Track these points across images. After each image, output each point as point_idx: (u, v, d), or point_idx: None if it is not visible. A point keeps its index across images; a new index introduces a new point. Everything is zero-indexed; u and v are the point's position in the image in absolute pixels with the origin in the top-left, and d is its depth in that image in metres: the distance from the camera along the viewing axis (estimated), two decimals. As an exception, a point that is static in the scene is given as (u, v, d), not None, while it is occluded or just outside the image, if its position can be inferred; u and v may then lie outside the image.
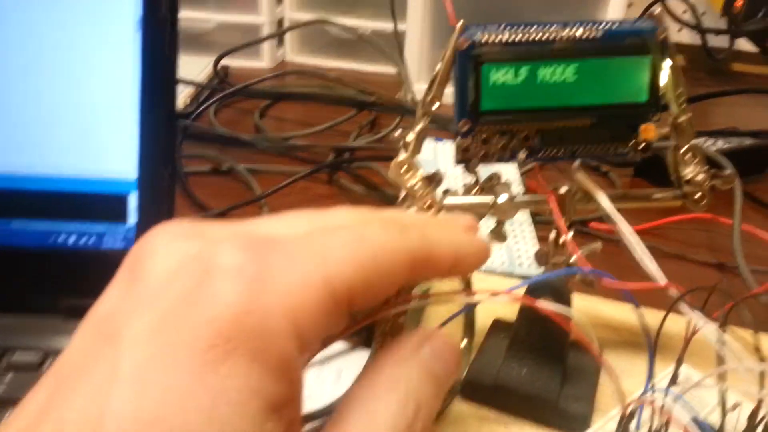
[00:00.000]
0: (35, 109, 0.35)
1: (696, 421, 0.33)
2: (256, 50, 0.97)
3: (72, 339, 0.17)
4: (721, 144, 0.70)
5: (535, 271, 0.48)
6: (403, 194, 0.32)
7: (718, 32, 1.00)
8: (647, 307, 0.30)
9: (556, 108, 0.31)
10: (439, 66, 0.31)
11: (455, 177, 0.48)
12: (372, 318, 0.28)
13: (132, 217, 0.35)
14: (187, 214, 0.59)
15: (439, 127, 0.47)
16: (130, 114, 0.34)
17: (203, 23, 0.97)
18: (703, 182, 0.33)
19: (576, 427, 0.33)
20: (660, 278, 0.31)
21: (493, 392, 0.34)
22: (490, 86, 0.30)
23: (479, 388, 0.35)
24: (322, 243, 0.18)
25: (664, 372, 0.35)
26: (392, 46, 0.87)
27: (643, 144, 0.32)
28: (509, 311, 0.38)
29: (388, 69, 0.91)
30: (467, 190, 0.35)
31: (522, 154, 0.32)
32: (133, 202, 0.35)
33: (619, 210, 0.34)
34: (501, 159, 0.32)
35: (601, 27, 0.30)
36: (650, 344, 0.31)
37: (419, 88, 0.81)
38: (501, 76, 0.30)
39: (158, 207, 0.35)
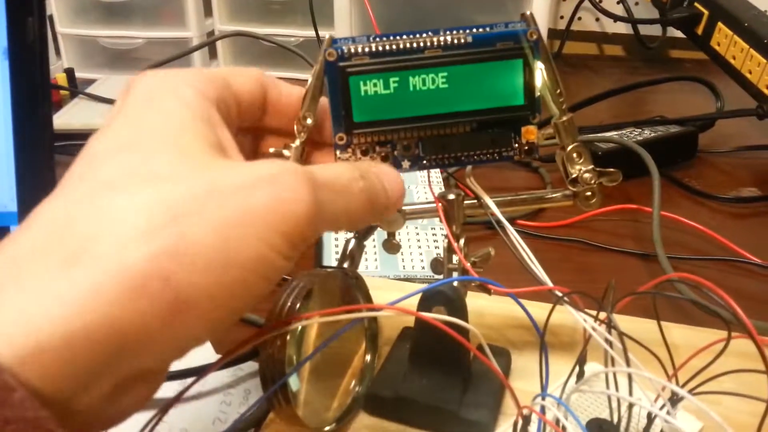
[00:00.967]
0: None
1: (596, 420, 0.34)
2: (188, 64, 0.96)
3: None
4: (648, 133, 0.71)
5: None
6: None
7: (648, 22, 1.01)
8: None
9: (433, 116, 0.31)
10: (309, 80, 0.30)
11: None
12: (255, 340, 0.27)
13: (16, 251, 0.34)
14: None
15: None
16: (4, 145, 0.33)
17: (131, 40, 0.96)
18: (589, 180, 0.33)
19: (479, 434, 0.33)
20: (546, 280, 0.31)
21: (395, 405, 0.34)
22: (361, 98, 0.30)
23: (381, 402, 0.34)
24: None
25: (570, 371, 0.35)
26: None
27: (527, 146, 0.32)
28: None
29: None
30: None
31: (405, 163, 0.32)
32: (15, 235, 0.34)
33: (510, 213, 0.33)
34: (385, 170, 0.32)
35: (471, 32, 0.30)
36: (543, 351, 0.31)
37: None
38: (371, 86, 0.30)
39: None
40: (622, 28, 1.12)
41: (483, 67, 0.30)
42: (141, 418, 0.35)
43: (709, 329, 0.41)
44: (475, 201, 0.34)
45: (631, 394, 0.27)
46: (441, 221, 0.33)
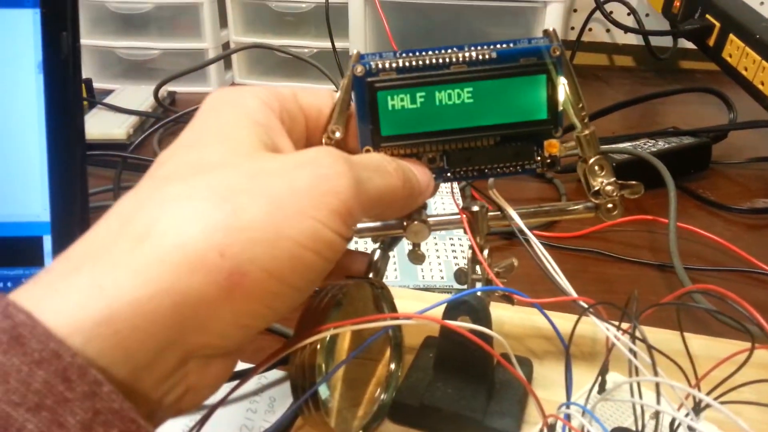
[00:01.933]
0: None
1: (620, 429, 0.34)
2: (203, 76, 0.97)
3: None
4: (661, 144, 0.71)
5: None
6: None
7: (659, 33, 1.02)
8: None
9: (458, 129, 0.31)
10: (338, 94, 0.31)
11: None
12: (289, 348, 0.28)
13: (48, 260, 0.35)
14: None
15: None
16: (38, 157, 0.34)
17: (147, 51, 0.97)
18: (611, 193, 0.33)
19: (503, 442, 0.33)
20: (570, 291, 0.31)
21: (420, 413, 0.34)
22: (388, 112, 0.30)
23: (406, 410, 0.35)
24: None
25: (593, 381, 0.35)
26: (333, 65, 0.88)
27: (549, 159, 0.33)
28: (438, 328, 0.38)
29: (334, 88, 0.92)
30: (382, 214, 0.35)
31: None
32: (48, 244, 0.35)
33: (529, 224, 0.34)
34: (410, 182, 0.32)
35: (495, 48, 0.31)
36: (568, 361, 0.31)
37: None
38: (398, 101, 0.30)
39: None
40: (633, 39, 1.12)
41: (507, 83, 0.31)
42: (177, 427, 0.36)
43: (728, 340, 0.41)
44: (499, 213, 0.34)
45: (658, 403, 0.28)
46: (465, 232, 0.33)
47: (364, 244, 0.54)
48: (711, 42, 0.81)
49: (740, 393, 0.29)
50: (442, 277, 0.51)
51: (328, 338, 0.30)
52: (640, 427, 0.31)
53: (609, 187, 0.33)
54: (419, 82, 0.30)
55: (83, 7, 0.94)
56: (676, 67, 1.14)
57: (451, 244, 0.55)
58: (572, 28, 1.14)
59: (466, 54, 0.31)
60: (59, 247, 0.35)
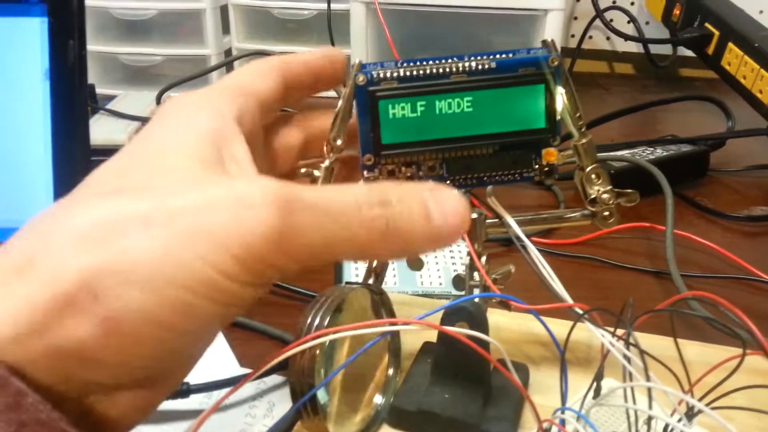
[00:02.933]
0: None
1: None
2: (206, 82, 0.98)
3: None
4: (659, 152, 0.72)
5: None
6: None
7: (658, 41, 1.02)
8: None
9: (458, 138, 0.32)
10: (339, 103, 0.31)
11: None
12: (287, 353, 0.28)
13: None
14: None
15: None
16: (43, 163, 0.34)
17: (150, 57, 0.98)
18: (608, 201, 0.34)
19: (499, 447, 0.34)
20: (566, 298, 0.32)
21: (418, 418, 0.35)
22: (389, 120, 0.31)
23: (404, 415, 0.35)
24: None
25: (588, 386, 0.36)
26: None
27: (547, 167, 0.33)
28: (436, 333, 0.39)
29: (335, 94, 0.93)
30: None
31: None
32: (52, 249, 0.35)
33: (527, 231, 0.35)
34: (410, 189, 0.33)
35: (495, 58, 0.31)
36: (563, 367, 0.32)
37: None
38: (399, 110, 0.31)
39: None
40: (633, 47, 1.13)
41: (506, 92, 0.31)
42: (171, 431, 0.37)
43: (721, 346, 0.41)
44: (497, 220, 0.35)
45: (650, 408, 0.28)
46: (464, 239, 0.34)
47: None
48: (710, 50, 0.82)
49: (733, 399, 0.30)
50: (441, 284, 0.51)
51: (327, 344, 0.30)
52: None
53: (605, 195, 0.34)
54: (420, 91, 0.31)
55: (87, 14, 0.94)
56: (675, 74, 1.15)
57: (450, 251, 0.55)
58: (572, 36, 1.14)
59: (466, 64, 0.31)
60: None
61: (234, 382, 0.29)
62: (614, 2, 1.09)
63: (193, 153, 0.22)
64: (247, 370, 0.38)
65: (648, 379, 0.27)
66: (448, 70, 0.31)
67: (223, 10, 0.98)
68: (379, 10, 0.85)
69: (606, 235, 0.61)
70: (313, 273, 0.54)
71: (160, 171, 0.21)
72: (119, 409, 0.21)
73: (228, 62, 0.96)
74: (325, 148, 0.32)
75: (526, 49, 0.32)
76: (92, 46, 0.96)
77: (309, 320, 0.30)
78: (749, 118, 0.78)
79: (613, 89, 1.11)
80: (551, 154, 0.33)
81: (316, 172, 0.32)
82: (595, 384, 0.34)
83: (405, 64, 0.31)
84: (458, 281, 0.36)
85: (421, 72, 0.31)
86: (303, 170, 0.31)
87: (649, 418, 0.31)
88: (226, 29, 0.99)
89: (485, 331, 0.34)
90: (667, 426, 0.31)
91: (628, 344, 0.30)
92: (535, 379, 0.39)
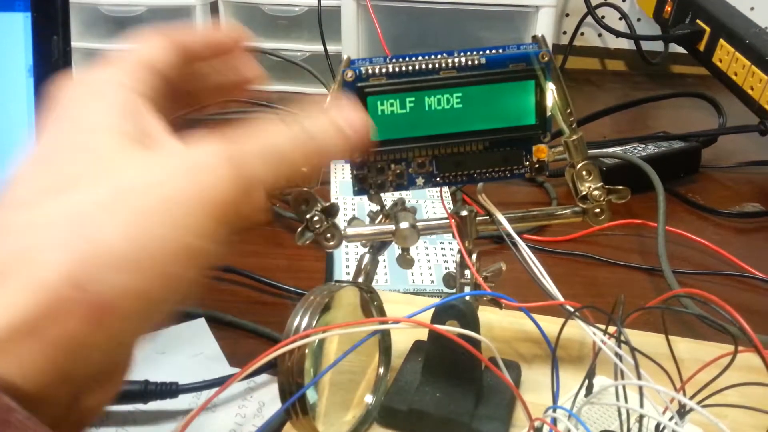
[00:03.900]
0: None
1: (606, 432, 0.34)
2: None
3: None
4: (651, 149, 0.72)
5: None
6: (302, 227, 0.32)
7: (650, 38, 1.02)
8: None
9: (447, 134, 0.31)
10: (328, 99, 0.31)
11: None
12: (275, 353, 0.28)
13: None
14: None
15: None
16: (28, 161, 0.34)
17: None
18: (599, 198, 0.34)
19: (490, 446, 0.34)
20: (556, 295, 0.32)
21: (409, 417, 0.34)
22: (378, 116, 0.31)
23: (395, 414, 0.35)
24: None
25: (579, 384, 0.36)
26: (326, 69, 0.88)
27: (537, 164, 0.33)
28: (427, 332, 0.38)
29: (326, 91, 0.92)
30: (372, 218, 0.35)
31: (420, 180, 0.33)
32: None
33: (519, 228, 0.34)
34: (399, 187, 0.33)
35: (484, 53, 0.31)
36: (554, 365, 0.31)
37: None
38: (388, 106, 0.31)
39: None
40: (625, 44, 1.13)
41: (496, 88, 0.31)
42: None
43: (714, 343, 0.41)
44: (487, 217, 0.35)
45: (641, 406, 0.28)
46: (454, 237, 0.34)
47: (354, 248, 0.54)
48: (701, 47, 0.82)
49: (725, 396, 0.29)
50: (432, 281, 0.51)
51: (315, 342, 0.30)
52: (625, 431, 0.31)
53: (596, 192, 0.34)
54: (409, 87, 0.30)
55: (75, 10, 0.93)
56: (667, 71, 1.15)
57: (442, 249, 0.55)
58: (564, 33, 1.14)
59: (456, 60, 0.31)
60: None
61: (223, 382, 0.28)
62: (606, -1, 1.09)
63: (117, 130, 0.22)
64: (237, 370, 0.37)
65: (639, 376, 0.27)
66: (437, 65, 0.31)
67: (213, 7, 0.97)
68: (370, 6, 0.84)
69: (598, 232, 0.61)
70: (302, 271, 0.54)
71: (95, 155, 0.21)
72: (98, 401, 0.21)
73: (218, 59, 0.96)
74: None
75: (516, 45, 0.32)
76: (81, 43, 0.96)
77: (298, 319, 0.30)
78: (741, 115, 0.77)
79: (605, 86, 1.11)
80: (542, 151, 0.33)
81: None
82: (586, 382, 0.33)
83: (393, 60, 0.31)
84: (449, 279, 0.36)
85: (410, 68, 0.31)
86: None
87: (641, 416, 0.31)
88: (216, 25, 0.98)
89: (476, 329, 0.33)
90: (659, 424, 0.31)
91: (619, 342, 0.30)
92: (527, 377, 0.38)
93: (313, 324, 0.29)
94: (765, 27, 0.78)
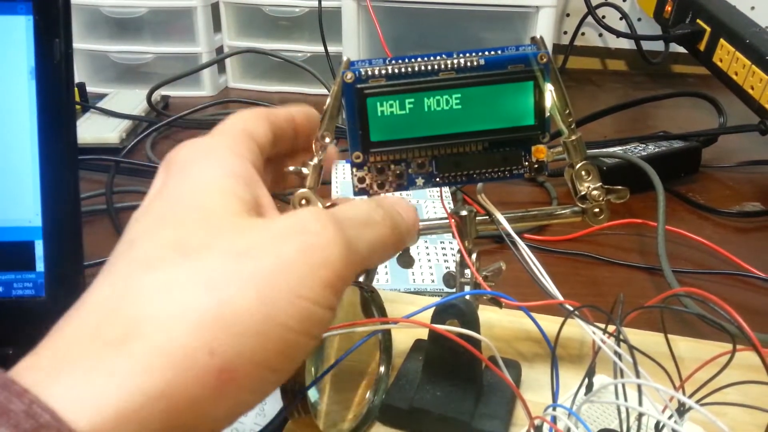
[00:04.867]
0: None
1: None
2: (197, 80, 0.97)
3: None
4: (652, 148, 0.72)
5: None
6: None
7: (650, 38, 1.02)
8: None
9: (447, 135, 0.32)
10: (328, 101, 0.31)
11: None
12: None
13: (39, 264, 0.35)
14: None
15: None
16: (30, 162, 0.34)
17: (141, 55, 0.97)
18: (598, 198, 0.34)
19: (491, 445, 0.34)
20: (556, 294, 0.32)
21: (409, 416, 0.35)
22: (377, 118, 0.31)
23: (395, 413, 0.35)
24: None
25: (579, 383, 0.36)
26: (327, 70, 0.88)
27: (537, 164, 0.33)
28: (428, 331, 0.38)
29: (326, 92, 0.92)
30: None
31: (419, 181, 0.33)
32: (39, 249, 0.35)
33: (519, 228, 0.34)
34: (399, 187, 0.33)
35: (483, 55, 0.31)
36: (554, 363, 0.32)
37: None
38: (387, 107, 0.31)
39: (65, 252, 0.35)
40: (625, 44, 1.13)
41: (495, 89, 0.31)
42: None
43: (714, 342, 0.41)
44: (487, 217, 0.35)
45: (640, 404, 0.28)
46: (454, 237, 0.34)
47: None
48: (702, 47, 0.82)
49: (725, 394, 0.30)
50: (433, 281, 0.51)
51: (317, 342, 0.30)
52: (625, 429, 0.31)
53: (595, 192, 0.34)
54: (408, 88, 0.31)
55: (77, 11, 0.94)
56: (668, 71, 1.15)
57: (442, 248, 0.55)
58: (565, 33, 1.14)
59: (455, 61, 0.31)
60: (51, 251, 0.35)
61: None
62: (606, -1, 1.10)
63: (233, 195, 0.23)
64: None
65: (638, 375, 0.27)
66: (436, 67, 0.31)
67: (214, 8, 0.97)
68: (371, 7, 0.84)
69: (598, 232, 0.61)
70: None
71: (210, 225, 0.22)
72: None
73: (219, 59, 0.96)
74: (313, 146, 0.31)
75: (515, 46, 0.32)
76: (82, 44, 0.96)
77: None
78: (741, 114, 0.78)
79: (606, 86, 1.11)
80: (541, 151, 0.33)
81: (305, 170, 0.31)
82: (586, 381, 0.34)
83: (393, 62, 0.31)
84: (449, 278, 0.36)
85: (409, 69, 0.31)
86: (291, 168, 0.31)
87: (640, 415, 0.31)
88: (217, 27, 0.99)
89: (476, 328, 0.33)
90: (658, 422, 0.31)
91: (618, 340, 0.30)
92: (527, 376, 0.39)
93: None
94: (765, 26, 0.78)
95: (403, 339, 0.40)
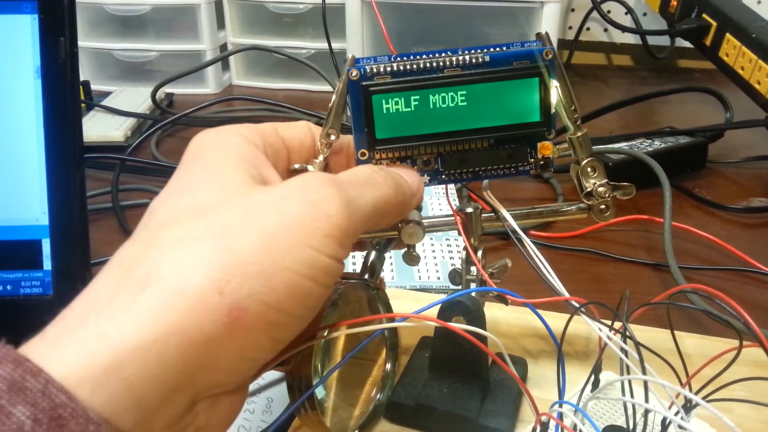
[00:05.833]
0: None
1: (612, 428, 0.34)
2: (201, 77, 0.97)
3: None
4: (658, 144, 0.72)
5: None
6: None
7: (656, 33, 1.02)
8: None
9: (452, 132, 0.32)
10: (333, 98, 0.31)
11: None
12: (288, 352, 0.28)
13: (47, 263, 0.35)
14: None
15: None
16: (36, 161, 0.34)
17: (145, 53, 0.97)
18: (604, 194, 0.34)
19: (497, 441, 0.34)
20: (562, 291, 0.32)
21: (416, 413, 0.35)
22: (383, 115, 0.31)
23: (402, 410, 0.35)
24: None
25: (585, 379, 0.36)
26: (331, 66, 0.88)
27: (542, 161, 0.33)
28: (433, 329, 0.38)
29: (330, 89, 0.92)
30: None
31: (425, 178, 0.33)
32: (46, 247, 0.35)
33: (525, 225, 0.34)
34: (405, 184, 0.33)
35: (488, 51, 0.31)
36: (560, 360, 0.32)
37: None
38: (393, 104, 0.31)
39: (72, 250, 0.35)
40: (631, 39, 1.13)
41: (500, 86, 0.31)
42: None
43: (721, 338, 0.41)
44: (493, 214, 0.35)
45: (647, 401, 0.28)
46: (460, 234, 0.34)
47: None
48: (708, 41, 0.82)
49: (731, 390, 0.30)
50: (439, 278, 0.51)
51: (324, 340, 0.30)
52: (631, 426, 0.31)
53: (601, 189, 0.34)
54: (413, 85, 0.31)
55: (81, 9, 0.94)
56: (673, 66, 1.15)
57: (448, 245, 0.55)
58: (570, 28, 1.14)
59: (460, 57, 0.31)
60: (58, 250, 0.35)
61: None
62: (611, -7, 1.09)
63: (239, 171, 0.25)
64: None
65: (644, 371, 0.27)
66: (441, 64, 0.31)
67: (218, 5, 0.97)
68: (375, 3, 0.84)
69: (604, 228, 0.61)
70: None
71: (224, 185, 0.24)
72: (218, 418, 0.23)
73: (223, 57, 0.96)
74: (318, 144, 0.31)
75: (520, 42, 0.32)
76: (86, 43, 0.96)
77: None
78: (747, 109, 0.77)
79: (611, 81, 1.10)
80: (546, 148, 0.33)
81: (310, 168, 0.31)
82: (592, 377, 0.34)
83: (398, 59, 0.31)
84: (455, 275, 0.36)
85: (414, 66, 0.31)
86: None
87: (647, 411, 0.31)
88: (221, 24, 0.99)
89: (482, 325, 0.33)
90: (665, 419, 0.31)
91: (625, 337, 0.30)
92: (533, 373, 0.39)
93: (322, 320, 0.29)
94: (772, 21, 0.78)
95: (409, 336, 0.40)
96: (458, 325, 0.30)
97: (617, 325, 0.31)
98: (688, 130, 0.75)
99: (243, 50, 0.96)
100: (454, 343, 0.34)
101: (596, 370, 0.34)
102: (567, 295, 0.32)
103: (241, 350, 0.22)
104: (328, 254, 0.23)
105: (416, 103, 0.31)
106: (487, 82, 0.31)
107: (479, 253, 0.35)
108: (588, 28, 1.13)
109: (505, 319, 0.43)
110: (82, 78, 0.95)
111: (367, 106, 0.31)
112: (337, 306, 0.31)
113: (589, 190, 0.34)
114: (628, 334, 0.29)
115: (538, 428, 0.30)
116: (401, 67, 0.31)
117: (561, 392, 0.32)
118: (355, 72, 0.30)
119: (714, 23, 0.80)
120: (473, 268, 0.35)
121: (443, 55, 0.31)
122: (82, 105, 0.86)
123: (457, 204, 0.34)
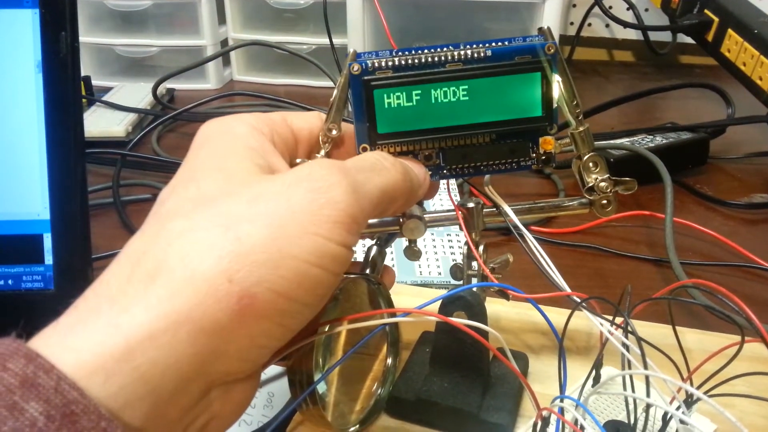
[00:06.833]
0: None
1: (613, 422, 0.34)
2: (202, 73, 0.97)
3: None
4: (659, 140, 0.72)
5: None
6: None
7: (657, 29, 1.02)
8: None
9: (454, 127, 0.31)
10: (335, 93, 0.31)
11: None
12: (290, 347, 0.28)
13: (48, 257, 0.36)
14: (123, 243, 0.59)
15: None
16: (37, 155, 0.34)
17: (146, 49, 0.97)
18: (606, 189, 0.34)
19: (498, 436, 0.34)
20: (563, 286, 0.32)
21: (417, 407, 0.35)
22: (384, 110, 0.31)
23: (403, 404, 0.35)
24: None
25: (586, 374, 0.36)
26: (332, 62, 0.88)
27: (544, 156, 0.33)
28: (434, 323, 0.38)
29: (332, 84, 0.92)
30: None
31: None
32: (48, 242, 0.35)
33: (526, 220, 0.34)
34: (406, 179, 0.33)
35: (490, 46, 0.31)
36: (561, 355, 0.32)
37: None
38: (394, 99, 0.31)
39: (74, 245, 0.35)
40: (632, 34, 1.13)
41: (502, 80, 0.31)
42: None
43: (722, 334, 0.41)
44: (494, 209, 0.35)
45: (648, 396, 0.28)
46: (461, 229, 0.34)
47: (362, 240, 0.54)
48: (709, 37, 0.82)
49: (733, 386, 0.30)
50: (440, 273, 0.51)
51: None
52: (633, 421, 0.31)
53: (603, 184, 0.34)
54: (415, 80, 0.31)
55: (82, 5, 0.94)
56: (675, 62, 1.15)
57: (449, 241, 0.55)
58: (572, 23, 1.14)
59: (462, 52, 0.31)
60: (59, 244, 0.35)
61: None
62: (613, -11, 1.09)
63: (245, 159, 0.25)
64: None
65: (646, 366, 0.27)
66: (443, 58, 0.31)
67: (219, 0, 0.97)
68: (376, -1, 0.84)
69: (606, 224, 0.61)
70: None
71: (225, 178, 0.24)
72: (231, 405, 0.23)
73: (224, 52, 0.96)
74: (320, 138, 0.31)
75: (522, 37, 0.32)
76: (87, 38, 0.96)
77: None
78: (749, 105, 0.77)
79: (613, 77, 1.10)
80: (548, 143, 0.33)
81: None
82: (594, 372, 0.34)
83: (400, 53, 0.31)
84: (456, 271, 0.36)
85: (416, 61, 0.31)
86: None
87: (648, 406, 0.31)
88: (221, 19, 0.99)
89: (484, 320, 0.33)
90: (666, 413, 0.31)
91: (626, 332, 0.30)
92: (534, 368, 0.39)
93: (323, 316, 0.29)
94: (774, 16, 0.77)
95: (410, 331, 0.40)
96: (459, 320, 0.30)
97: (618, 320, 0.31)
98: (689, 126, 0.75)
99: (244, 45, 0.96)
100: (455, 338, 0.34)
101: (597, 365, 0.34)
102: (568, 290, 0.32)
103: (252, 337, 0.22)
104: (337, 241, 0.23)
105: (418, 97, 0.31)
106: (489, 77, 0.31)
107: (480, 248, 0.34)
108: (589, 24, 1.13)
109: (507, 314, 0.43)
110: (83, 73, 0.95)
111: (368, 100, 0.31)
112: (338, 301, 0.31)
113: (590, 185, 0.34)
114: (629, 329, 0.29)
115: (539, 423, 0.30)
116: (403, 62, 0.31)
117: (562, 387, 0.32)
118: (356, 66, 0.30)
119: (716, 19, 0.80)
120: (474, 264, 0.35)
121: (445, 49, 0.31)
122: (83, 100, 0.86)
123: (459, 199, 0.34)
